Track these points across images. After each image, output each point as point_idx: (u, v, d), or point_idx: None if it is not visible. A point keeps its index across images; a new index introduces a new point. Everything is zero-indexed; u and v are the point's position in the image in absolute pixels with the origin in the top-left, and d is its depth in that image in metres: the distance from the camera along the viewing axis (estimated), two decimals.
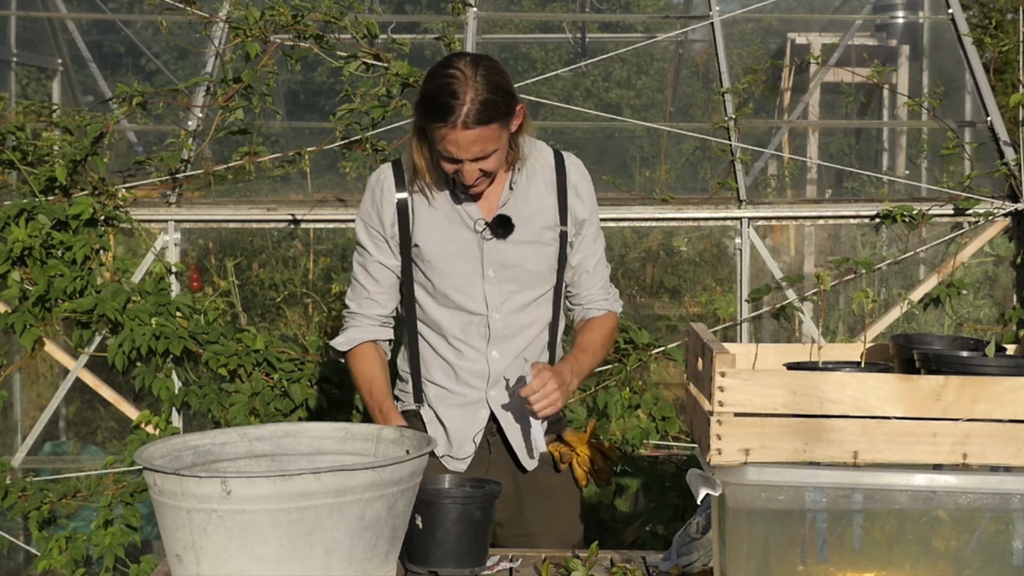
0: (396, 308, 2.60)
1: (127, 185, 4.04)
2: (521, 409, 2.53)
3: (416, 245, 2.52)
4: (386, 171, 2.56)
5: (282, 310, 4.27)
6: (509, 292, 2.53)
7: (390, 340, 2.62)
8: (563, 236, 2.58)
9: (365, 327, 2.58)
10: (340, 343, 2.59)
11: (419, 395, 2.61)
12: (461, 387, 2.56)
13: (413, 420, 2.62)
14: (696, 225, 4.23)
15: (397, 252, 2.54)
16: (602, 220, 4.11)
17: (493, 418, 2.56)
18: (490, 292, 2.52)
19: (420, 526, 2.15)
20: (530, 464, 2.57)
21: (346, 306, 2.62)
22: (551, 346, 2.63)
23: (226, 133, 4.02)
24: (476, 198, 2.51)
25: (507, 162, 2.50)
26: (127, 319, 3.83)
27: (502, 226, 2.50)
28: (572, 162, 2.60)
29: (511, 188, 2.52)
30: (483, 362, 2.54)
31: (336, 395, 3.98)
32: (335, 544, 1.82)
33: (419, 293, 2.55)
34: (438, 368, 2.57)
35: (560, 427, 2.63)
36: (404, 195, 2.51)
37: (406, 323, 2.60)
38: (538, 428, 2.47)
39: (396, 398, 2.67)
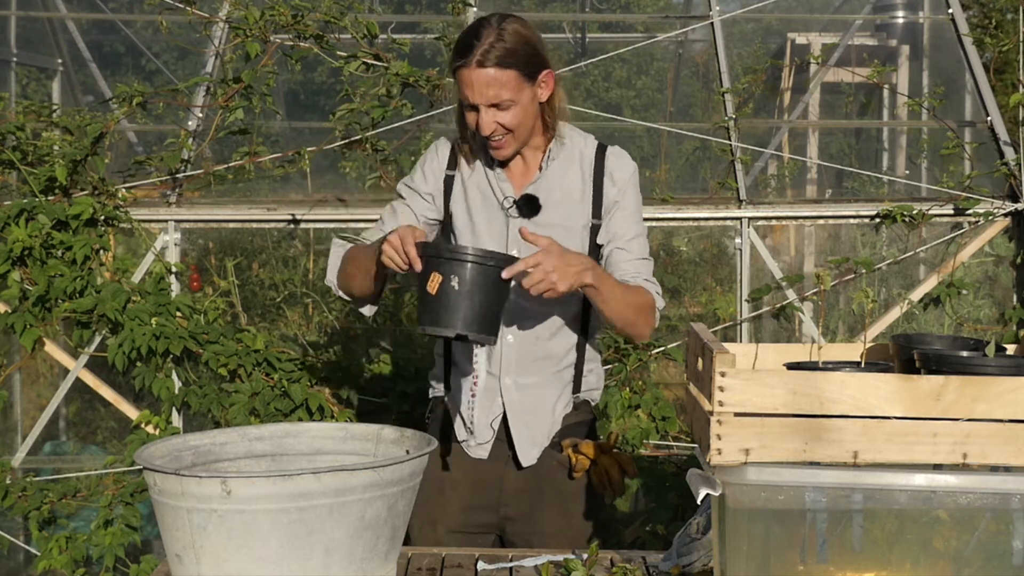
0: None
1: (127, 185, 4.04)
2: (531, 404, 2.53)
3: (451, 215, 2.56)
4: (443, 144, 2.63)
5: (282, 310, 4.27)
6: None
7: None
8: (594, 231, 2.56)
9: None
10: (341, 237, 2.62)
11: (447, 382, 2.62)
12: (481, 373, 2.55)
13: (438, 407, 2.64)
14: (696, 225, 4.23)
15: (431, 207, 2.58)
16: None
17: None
18: None
19: (456, 287, 2.13)
20: (527, 460, 2.56)
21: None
22: (579, 347, 2.59)
23: (226, 133, 4.02)
24: (504, 164, 2.53)
25: (543, 140, 2.54)
26: (127, 319, 3.83)
27: (528, 205, 2.50)
28: (613, 151, 2.59)
29: (541, 169, 2.53)
30: (498, 346, 2.52)
31: (337, 395, 3.99)
32: (335, 544, 1.82)
33: None
34: (461, 353, 2.58)
35: (581, 434, 2.61)
36: (453, 171, 2.58)
37: None
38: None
39: (429, 384, 2.70)
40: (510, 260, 2.23)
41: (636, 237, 2.56)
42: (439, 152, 2.61)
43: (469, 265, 2.16)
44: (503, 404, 2.55)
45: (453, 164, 2.59)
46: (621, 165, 2.58)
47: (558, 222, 2.51)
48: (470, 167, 2.57)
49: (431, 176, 2.59)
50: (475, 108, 2.42)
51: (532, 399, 2.56)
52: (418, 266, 2.21)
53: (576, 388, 2.61)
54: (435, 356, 2.69)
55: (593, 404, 2.68)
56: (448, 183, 2.58)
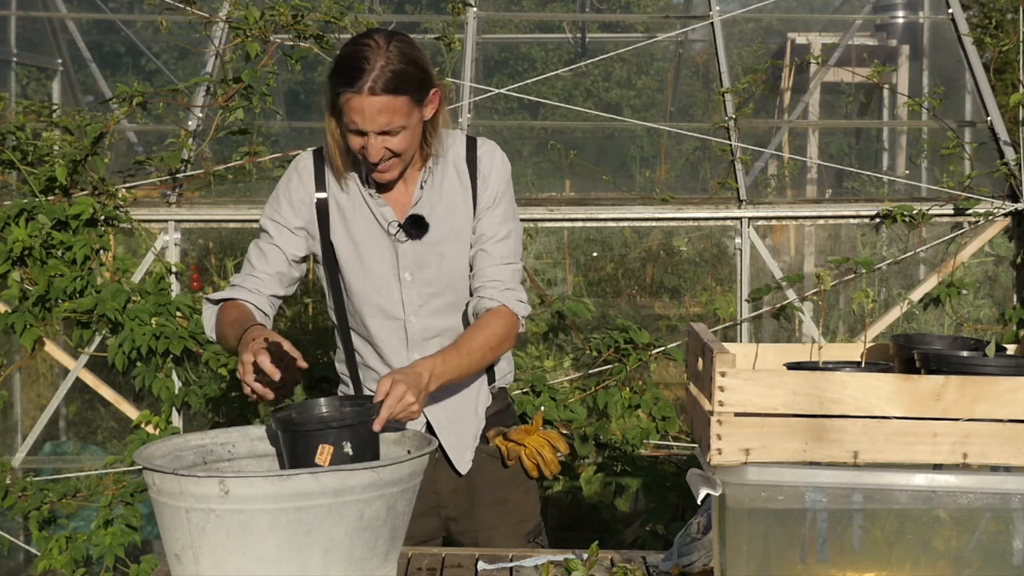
0: (278, 297, 2.46)
1: (127, 185, 4.04)
2: (454, 413, 2.49)
3: (333, 245, 2.44)
4: (305, 163, 2.47)
5: (282, 310, 4.27)
6: (428, 295, 2.44)
7: (266, 315, 2.43)
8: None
9: (239, 290, 2.42)
10: (210, 296, 2.45)
11: None
12: None
13: None
14: (696, 225, 4.23)
15: (302, 243, 2.45)
16: (602, 220, 4.16)
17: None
18: (408, 296, 2.44)
19: (350, 452, 2.01)
20: (463, 466, 2.52)
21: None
22: None
23: (226, 133, 4.03)
24: (388, 187, 2.42)
25: (420, 158, 2.42)
26: (127, 319, 3.83)
27: (416, 226, 2.41)
28: (484, 150, 2.46)
29: (421, 187, 2.42)
30: None
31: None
32: (333, 544, 1.82)
33: (344, 296, 2.48)
34: (371, 377, 2.50)
35: (505, 421, 2.59)
36: (324, 194, 2.44)
37: (339, 331, 2.53)
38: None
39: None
40: (373, 405, 2.09)
41: (504, 239, 2.44)
42: (302, 176, 2.45)
43: (359, 427, 2.02)
44: (427, 420, 2.49)
45: (322, 185, 2.44)
46: (493, 165, 2.45)
47: (448, 235, 2.43)
48: (343, 188, 2.43)
49: (300, 206, 2.44)
50: (362, 133, 2.29)
51: (454, 409, 2.50)
52: (270, 396, 2.10)
53: (491, 380, 2.56)
54: (340, 375, 2.59)
55: (507, 386, 2.63)
56: (322, 210, 2.43)
